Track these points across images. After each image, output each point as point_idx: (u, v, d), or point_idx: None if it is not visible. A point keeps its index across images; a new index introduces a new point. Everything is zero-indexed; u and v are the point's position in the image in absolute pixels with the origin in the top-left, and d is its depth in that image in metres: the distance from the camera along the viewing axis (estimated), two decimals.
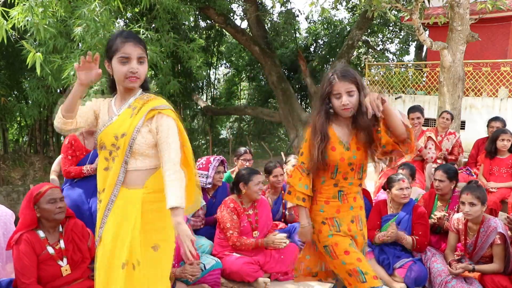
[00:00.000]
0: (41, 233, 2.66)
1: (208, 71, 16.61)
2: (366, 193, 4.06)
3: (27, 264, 2.54)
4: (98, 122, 2.10)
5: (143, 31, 6.11)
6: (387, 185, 3.71)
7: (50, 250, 2.65)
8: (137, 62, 2.00)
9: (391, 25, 16.25)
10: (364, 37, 15.84)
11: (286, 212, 4.28)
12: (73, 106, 1.95)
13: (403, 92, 11.55)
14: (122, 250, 1.99)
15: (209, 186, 4.02)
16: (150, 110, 2.02)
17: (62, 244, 2.71)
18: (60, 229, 2.76)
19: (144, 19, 7.51)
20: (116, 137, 2.01)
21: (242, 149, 4.77)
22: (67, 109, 1.95)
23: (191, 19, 11.46)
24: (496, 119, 5.41)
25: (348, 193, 2.39)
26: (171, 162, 1.94)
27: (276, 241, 3.51)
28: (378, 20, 14.54)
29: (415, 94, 11.31)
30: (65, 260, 2.69)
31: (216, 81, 19.53)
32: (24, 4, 5.07)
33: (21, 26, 5.12)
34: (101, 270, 2.04)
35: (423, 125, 5.08)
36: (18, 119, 12.25)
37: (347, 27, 16.41)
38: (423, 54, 15.87)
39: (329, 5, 12.33)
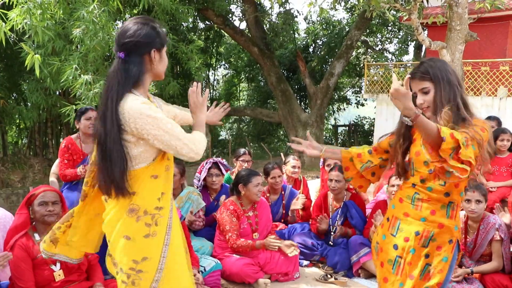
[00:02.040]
0: (36, 236, 2.67)
1: (207, 72, 16.61)
2: (358, 199, 4.04)
3: (23, 269, 2.53)
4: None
5: None
6: (389, 185, 3.71)
7: None
8: None
9: (389, 25, 16.25)
10: (363, 37, 15.85)
11: (289, 213, 4.29)
12: None
13: None
14: (185, 246, 2.00)
15: (200, 188, 4.04)
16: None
17: None
18: None
19: None
20: None
21: (241, 150, 4.78)
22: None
23: (190, 20, 11.45)
24: (489, 118, 5.38)
25: (425, 200, 2.03)
26: None
27: (271, 244, 3.49)
28: (377, 20, 14.54)
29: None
30: (58, 264, 2.66)
31: (215, 82, 19.54)
32: (22, 6, 5.06)
33: (19, 28, 5.12)
34: (185, 272, 1.96)
35: None
36: (17, 121, 12.23)
37: (346, 27, 16.40)
38: (422, 53, 15.87)
39: (328, 5, 12.32)
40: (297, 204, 4.22)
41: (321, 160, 4.54)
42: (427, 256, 2.05)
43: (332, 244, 3.95)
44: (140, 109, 1.71)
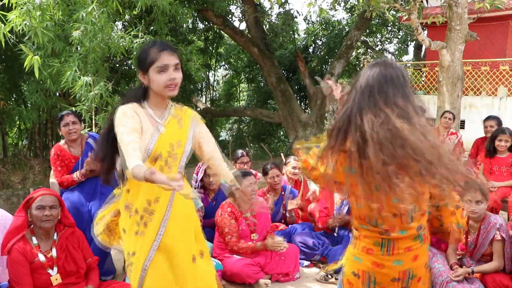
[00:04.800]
0: (34, 240, 2.64)
1: (207, 73, 16.60)
2: None
3: (20, 273, 2.52)
4: (143, 131, 2.04)
5: (141, 35, 6.09)
6: None
7: (41, 257, 2.62)
8: (173, 70, 2.04)
9: (389, 25, 16.24)
10: (362, 38, 15.84)
11: (287, 214, 4.28)
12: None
13: None
14: (189, 248, 2.17)
15: (198, 189, 4.04)
16: (195, 120, 2.24)
17: (54, 252, 2.67)
18: (55, 237, 2.72)
19: (142, 21, 7.51)
20: (172, 146, 2.10)
21: (239, 152, 4.71)
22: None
23: (189, 21, 11.44)
24: (489, 118, 5.39)
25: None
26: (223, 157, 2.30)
27: (275, 244, 3.49)
28: (377, 20, 14.53)
29: (415, 94, 11.31)
30: (55, 269, 2.65)
31: (215, 83, 19.53)
32: (21, 8, 5.06)
33: (19, 30, 5.12)
34: (167, 270, 2.09)
35: None
36: (18, 122, 12.22)
37: (346, 27, 16.40)
38: (422, 54, 15.87)
39: (327, 5, 12.33)
40: (292, 203, 4.23)
41: None
42: None
43: (336, 235, 3.94)
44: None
